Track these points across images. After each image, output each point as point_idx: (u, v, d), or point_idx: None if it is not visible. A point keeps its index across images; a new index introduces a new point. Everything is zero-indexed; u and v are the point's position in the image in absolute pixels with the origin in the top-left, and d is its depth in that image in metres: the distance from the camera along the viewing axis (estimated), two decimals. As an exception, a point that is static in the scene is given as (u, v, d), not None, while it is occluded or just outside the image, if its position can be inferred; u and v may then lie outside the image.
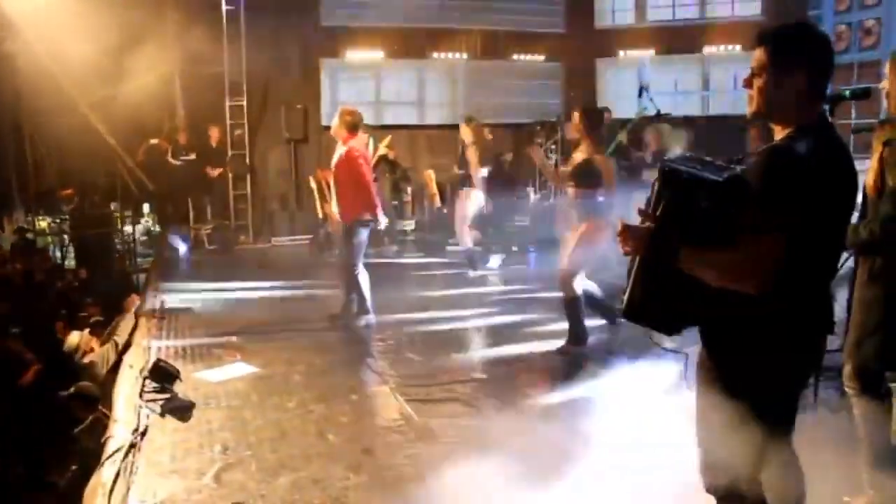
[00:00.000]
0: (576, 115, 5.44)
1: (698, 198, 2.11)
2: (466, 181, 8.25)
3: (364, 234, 6.11)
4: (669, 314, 2.24)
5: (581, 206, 5.30)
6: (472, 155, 8.12)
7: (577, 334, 5.34)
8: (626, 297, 2.28)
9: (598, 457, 3.51)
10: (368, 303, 6.10)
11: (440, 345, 5.62)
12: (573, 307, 5.32)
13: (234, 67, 11.24)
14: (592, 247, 5.18)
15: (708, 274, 2.10)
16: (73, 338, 6.27)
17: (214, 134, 11.33)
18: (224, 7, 11.07)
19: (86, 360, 6.07)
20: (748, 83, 2.24)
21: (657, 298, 2.20)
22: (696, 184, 2.12)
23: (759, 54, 2.20)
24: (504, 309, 6.68)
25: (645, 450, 3.56)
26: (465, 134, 8.21)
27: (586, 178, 5.28)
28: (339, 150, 6.11)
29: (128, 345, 5.94)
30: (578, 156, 5.39)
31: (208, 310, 6.79)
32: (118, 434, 4.16)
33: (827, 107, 2.50)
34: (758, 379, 2.15)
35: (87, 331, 6.40)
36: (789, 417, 2.27)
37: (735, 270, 2.06)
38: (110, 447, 4.02)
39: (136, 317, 6.58)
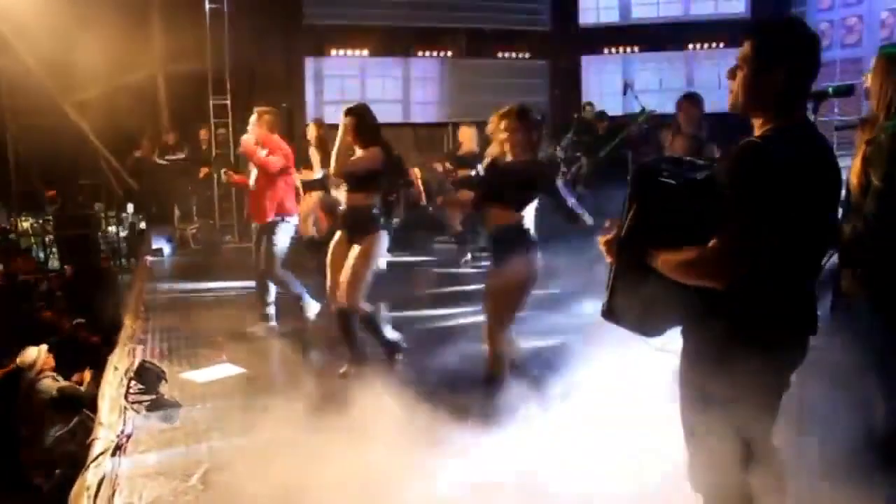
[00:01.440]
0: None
1: (671, 198, 2.11)
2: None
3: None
4: (646, 317, 2.24)
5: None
6: (313, 156, 7.17)
7: (390, 345, 4.96)
8: (604, 300, 2.29)
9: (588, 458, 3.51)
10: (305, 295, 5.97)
11: (435, 341, 5.53)
12: (369, 323, 4.89)
13: (217, 66, 11.18)
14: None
15: (679, 273, 2.11)
16: (31, 353, 6.03)
17: (203, 135, 11.27)
18: (207, 5, 11.00)
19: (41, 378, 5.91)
20: (731, 75, 2.24)
21: (633, 301, 2.20)
22: (669, 185, 2.13)
23: (744, 47, 2.20)
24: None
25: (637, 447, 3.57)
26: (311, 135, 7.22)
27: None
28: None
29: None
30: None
31: (193, 310, 6.76)
32: (103, 436, 4.14)
33: (810, 104, 2.50)
34: (739, 378, 2.15)
35: (45, 347, 6.15)
36: (771, 416, 2.28)
37: (703, 267, 2.07)
38: (95, 449, 4.00)
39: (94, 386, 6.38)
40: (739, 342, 2.12)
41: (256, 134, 5.93)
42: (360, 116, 4.87)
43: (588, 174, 10.65)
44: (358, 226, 4.81)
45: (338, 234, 4.98)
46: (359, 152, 4.87)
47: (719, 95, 12.60)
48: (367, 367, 4.77)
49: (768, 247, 2.04)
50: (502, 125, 4.11)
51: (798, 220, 2.07)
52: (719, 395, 2.16)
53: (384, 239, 4.84)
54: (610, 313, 2.28)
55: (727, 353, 2.14)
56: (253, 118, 6.02)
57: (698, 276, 2.09)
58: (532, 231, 4.09)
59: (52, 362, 6.11)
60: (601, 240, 2.27)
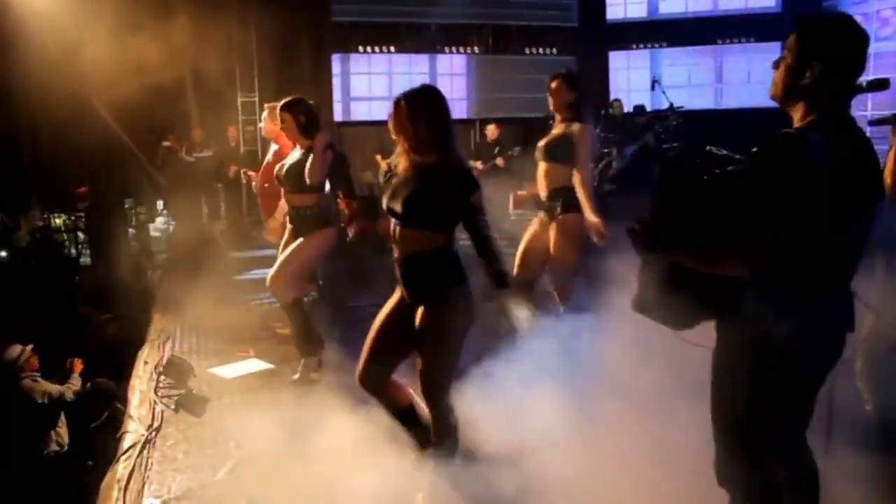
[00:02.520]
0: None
1: (699, 191, 2.10)
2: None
3: None
4: (676, 310, 2.23)
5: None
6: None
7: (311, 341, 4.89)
8: (634, 293, 2.28)
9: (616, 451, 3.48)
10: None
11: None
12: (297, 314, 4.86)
13: (245, 63, 11.26)
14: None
15: (708, 262, 2.10)
16: (14, 350, 5.87)
17: (232, 132, 11.35)
18: (236, 2, 11.09)
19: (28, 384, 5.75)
20: (776, 65, 2.23)
21: (662, 293, 2.19)
22: (697, 177, 2.11)
23: (790, 39, 2.18)
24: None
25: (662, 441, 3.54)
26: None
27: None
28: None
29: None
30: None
31: (222, 305, 6.81)
32: (133, 430, 4.19)
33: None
34: (772, 375, 2.13)
35: (30, 347, 5.99)
36: (805, 415, 2.25)
37: (731, 254, 2.05)
38: (125, 443, 4.05)
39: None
40: (776, 339, 2.09)
41: (269, 129, 5.94)
42: (306, 111, 4.84)
43: (617, 171, 10.60)
44: (304, 225, 4.79)
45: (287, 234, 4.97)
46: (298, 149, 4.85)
47: (750, 90, 12.50)
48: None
49: (800, 240, 2.01)
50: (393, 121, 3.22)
51: (834, 215, 2.04)
52: (751, 392, 2.14)
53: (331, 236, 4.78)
54: (640, 306, 2.27)
55: (763, 350, 2.12)
56: (265, 114, 6.03)
57: (727, 264, 2.07)
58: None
59: (35, 364, 5.92)
60: (629, 231, 2.25)
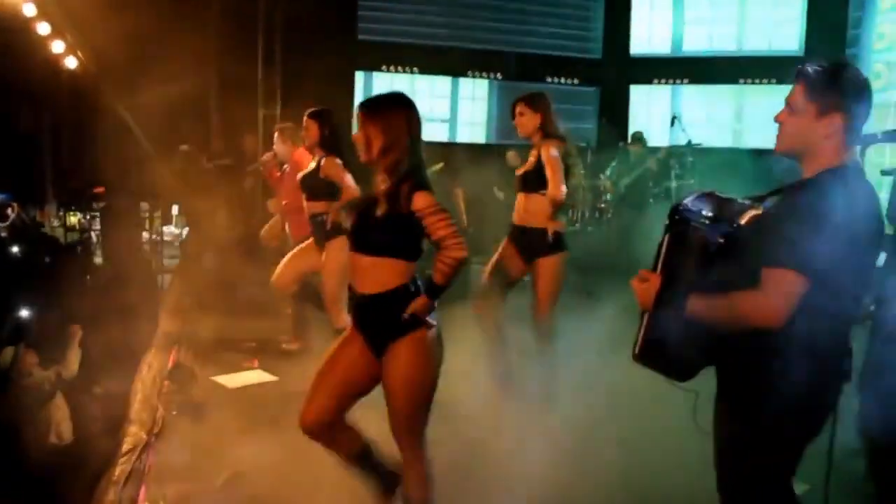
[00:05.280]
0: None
1: (708, 247, 2.09)
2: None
3: None
4: (680, 360, 2.22)
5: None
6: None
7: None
8: (637, 342, 2.28)
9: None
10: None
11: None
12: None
13: (269, 77, 11.36)
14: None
15: (730, 317, 2.08)
16: (7, 353, 5.51)
17: (248, 143, 11.43)
18: (262, 16, 11.21)
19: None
20: (781, 118, 2.23)
21: (667, 346, 2.18)
22: (706, 234, 2.10)
23: (795, 90, 2.18)
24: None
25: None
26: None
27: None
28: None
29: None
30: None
31: (229, 314, 6.84)
32: (133, 433, 4.20)
33: (858, 148, 2.48)
34: (768, 422, 2.13)
35: (22, 345, 5.68)
36: (795, 461, 2.25)
37: (756, 308, 2.04)
38: (125, 445, 4.06)
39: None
40: (772, 386, 2.09)
41: (282, 151, 6.01)
42: (331, 126, 4.96)
43: (613, 202, 10.66)
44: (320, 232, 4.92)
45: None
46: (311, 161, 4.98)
47: (769, 131, 12.46)
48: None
49: (819, 293, 2.01)
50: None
51: (845, 267, 2.04)
52: (748, 435, 2.15)
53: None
54: (642, 358, 2.27)
55: (759, 395, 2.12)
56: (276, 136, 6.10)
57: (751, 318, 2.05)
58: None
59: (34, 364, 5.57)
60: (636, 287, 2.25)
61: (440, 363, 2.89)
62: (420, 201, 2.76)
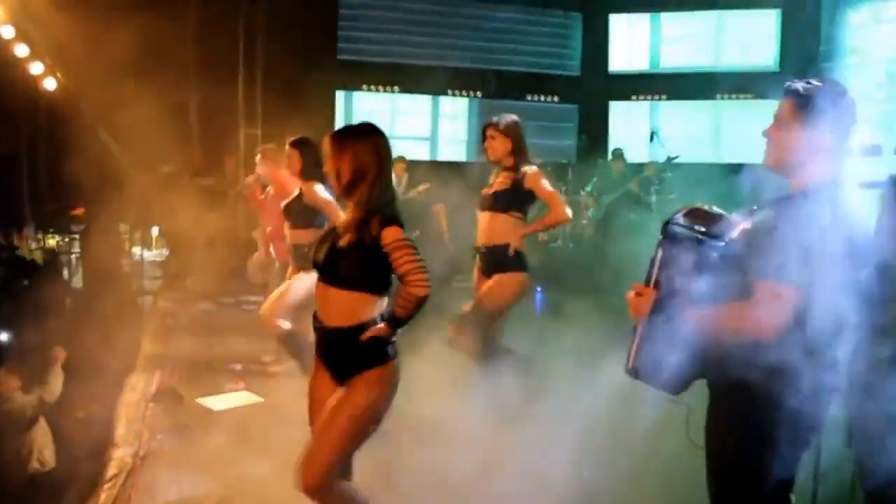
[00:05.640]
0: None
1: (701, 262, 2.12)
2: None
3: None
4: (672, 374, 2.25)
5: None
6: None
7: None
8: (630, 356, 2.30)
9: None
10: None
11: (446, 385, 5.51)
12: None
13: (249, 96, 11.36)
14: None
15: (725, 329, 2.11)
16: None
17: (229, 164, 11.42)
18: (242, 36, 11.23)
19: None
20: (770, 133, 2.26)
21: (659, 359, 2.21)
22: (698, 249, 2.14)
23: (783, 106, 2.22)
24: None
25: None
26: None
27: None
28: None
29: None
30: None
31: (214, 336, 6.80)
32: (118, 457, 4.16)
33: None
34: (760, 435, 2.15)
35: (2, 369, 5.67)
36: (790, 475, 2.27)
37: (744, 323, 2.07)
38: (110, 470, 4.02)
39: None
40: (762, 401, 2.12)
41: (265, 172, 5.97)
42: (315, 156, 4.82)
43: (596, 219, 10.74)
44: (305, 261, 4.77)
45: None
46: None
47: (746, 146, 12.62)
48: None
49: (807, 308, 2.04)
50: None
51: (833, 275, 2.08)
52: (740, 450, 2.17)
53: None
54: (636, 372, 2.29)
55: (750, 409, 2.14)
56: (258, 157, 6.06)
57: (744, 331, 2.08)
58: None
59: (11, 385, 5.43)
60: (631, 300, 2.28)
61: (392, 399, 2.86)
62: (388, 235, 2.72)
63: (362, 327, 2.75)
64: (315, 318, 2.88)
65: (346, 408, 2.76)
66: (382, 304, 2.83)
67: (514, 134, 4.57)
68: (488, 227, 4.59)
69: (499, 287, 4.51)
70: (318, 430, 2.83)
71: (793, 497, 2.33)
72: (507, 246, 4.47)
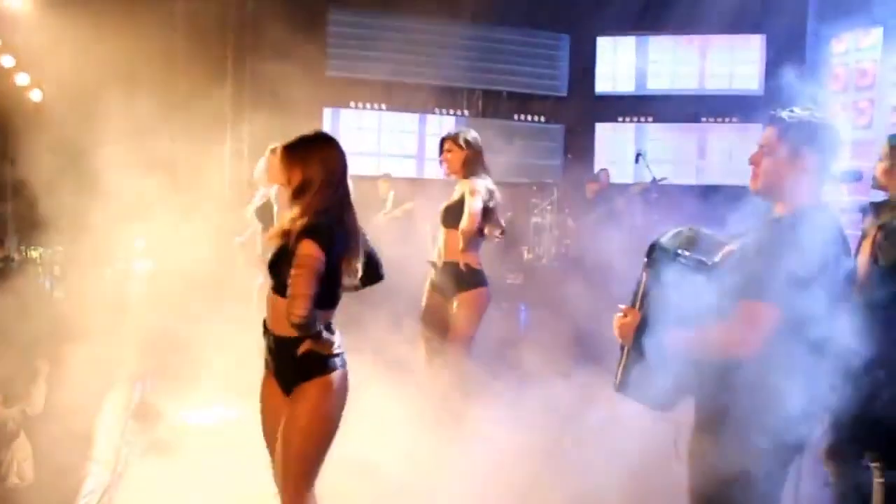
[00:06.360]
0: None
1: (685, 284, 2.15)
2: None
3: None
4: (659, 392, 2.26)
5: None
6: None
7: None
8: (618, 375, 2.32)
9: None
10: None
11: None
12: None
13: (237, 113, 11.36)
14: None
15: (706, 349, 2.13)
16: None
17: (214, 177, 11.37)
18: (230, 52, 11.25)
19: None
20: (755, 160, 2.30)
21: (646, 379, 2.23)
22: (682, 272, 2.16)
23: (768, 133, 2.27)
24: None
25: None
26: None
27: None
28: None
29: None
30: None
31: (195, 351, 6.74)
32: (96, 473, 4.11)
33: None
34: (747, 450, 2.16)
35: None
36: (777, 490, 2.28)
37: (731, 338, 2.09)
38: (87, 486, 3.97)
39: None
40: (746, 414, 2.13)
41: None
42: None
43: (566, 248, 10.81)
44: None
45: None
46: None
47: (730, 168, 12.76)
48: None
49: (791, 325, 2.07)
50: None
51: (816, 297, 2.10)
52: (726, 465, 2.17)
53: None
54: (622, 389, 2.31)
55: (735, 424, 2.15)
56: (266, 156, 6.02)
57: (725, 349, 2.12)
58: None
59: None
60: (616, 324, 2.31)
61: (342, 410, 2.85)
62: (302, 246, 2.67)
63: (299, 339, 2.73)
64: (263, 322, 2.88)
65: (293, 429, 2.78)
66: (325, 316, 2.79)
67: (470, 147, 4.57)
68: (444, 243, 4.57)
69: (462, 308, 4.48)
70: (278, 459, 2.84)
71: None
72: (459, 263, 4.44)
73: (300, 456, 2.78)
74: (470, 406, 4.38)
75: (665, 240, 2.28)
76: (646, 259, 2.28)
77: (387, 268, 3.05)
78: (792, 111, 2.27)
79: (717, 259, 2.18)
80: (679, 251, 2.22)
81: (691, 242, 2.25)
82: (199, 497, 3.80)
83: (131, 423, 4.72)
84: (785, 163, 2.23)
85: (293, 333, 2.71)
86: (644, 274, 2.28)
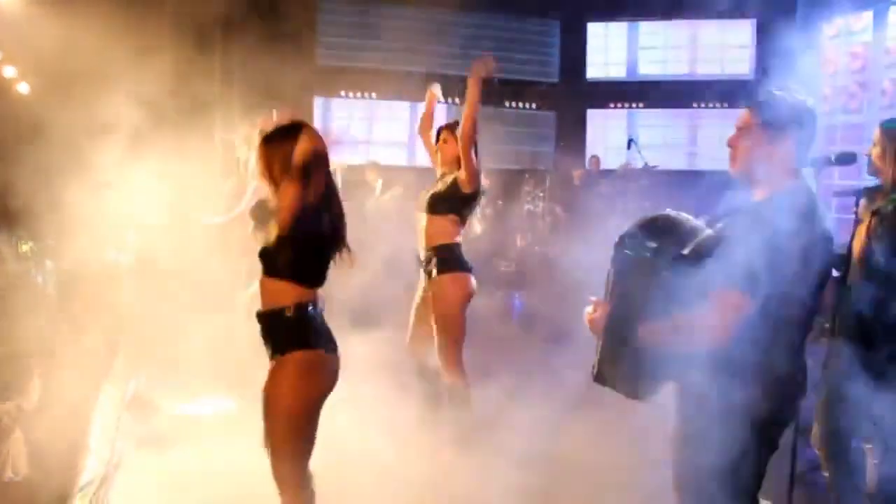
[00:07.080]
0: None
1: (656, 272, 2.14)
2: None
3: None
4: (637, 382, 2.26)
5: None
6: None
7: None
8: (595, 364, 2.31)
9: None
10: None
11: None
12: None
13: (227, 103, 11.30)
14: None
15: (678, 339, 2.13)
16: None
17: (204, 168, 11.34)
18: (219, 41, 11.18)
19: None
20: (733, 143, 2.29)
21: (623, 368, 2.22)
22: (649, 263, 2.15)
23: (746, 116, 2.25)
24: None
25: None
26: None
27: None
28: None
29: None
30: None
31: (192, 343, 6.72)
32: (91, 465, 4.09)
33: (812, 169, 2.56)
34: (729, 438, 2.16)
35: None
36: (758, 477, 2.28)
37: (704, 327, 2.09)
38: (83, 478, 3.96)
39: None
40: (733, 401, 2.13)
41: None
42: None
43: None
44: None
45: None
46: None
47: (721, 154, 12.76)
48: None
49: (772, 309, 2.06)
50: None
51: (797, 283, 2.10)
52: (708, 453, 2.18)
53: None
54: (600, 379, 2.30)
55: (717, 412, 2.16)
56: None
57: (699, 338, 2.11)
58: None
59: None
60: (587, 318, 2.30)
61: (322, 392, 2.84)
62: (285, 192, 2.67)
63: (273, 313, 2.75)
64: (256, 314, 2.89)
65: (269, 411, 2.80)
66: (306, 295, 2.78)
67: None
68: (425, 229, 4.47)
69: (441, 292, 4.35)
70: (265, 438, 2.84)
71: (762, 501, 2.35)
72: (449, 245, 4.38)
73: (280, 431, 2.79)
74: (470, 407, 4.38)
75: (633, 231, 2.25)
76: (613, 253, 2.26)
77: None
78: (768, 93, 2.26)
79: (685, 252, 2.14)
80: (648, 242, 2.19)
81: (665, 230, 2.21)
82: (195, 489, 3.79)
83: (126, 416, 4.70)
84: (759, 146, 2.22)
85: (278, 304, 2.73)
86: (611, 269, 2.26)
